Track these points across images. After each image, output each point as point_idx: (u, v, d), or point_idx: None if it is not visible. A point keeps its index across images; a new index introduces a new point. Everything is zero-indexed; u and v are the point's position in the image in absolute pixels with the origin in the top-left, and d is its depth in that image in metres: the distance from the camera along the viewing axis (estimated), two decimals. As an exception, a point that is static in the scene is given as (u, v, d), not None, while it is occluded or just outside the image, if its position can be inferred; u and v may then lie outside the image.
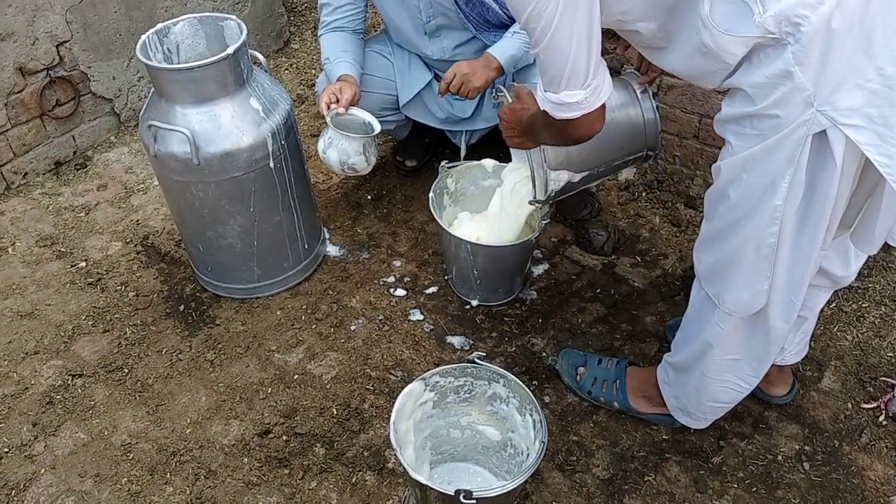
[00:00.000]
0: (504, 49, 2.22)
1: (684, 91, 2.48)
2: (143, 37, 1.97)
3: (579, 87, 1.31)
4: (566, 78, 1.30)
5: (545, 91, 1.36)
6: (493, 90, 1.88)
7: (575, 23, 1.23)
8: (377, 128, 2.19)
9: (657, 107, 1.86)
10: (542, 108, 1.42)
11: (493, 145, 2.44)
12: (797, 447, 1.89)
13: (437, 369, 1.64)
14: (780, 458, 1.87)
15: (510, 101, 1.79)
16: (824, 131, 1.24)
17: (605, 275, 2.36)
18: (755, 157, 1.33)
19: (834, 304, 2.22)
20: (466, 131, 2.54)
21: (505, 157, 2.22)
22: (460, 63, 2.22)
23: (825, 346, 2.12)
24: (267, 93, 2.05)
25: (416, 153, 2.72)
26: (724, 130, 1.41)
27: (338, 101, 2.16)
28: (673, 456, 1.87)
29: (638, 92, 1.84)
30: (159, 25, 2.02)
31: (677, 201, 2.59)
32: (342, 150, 2.17)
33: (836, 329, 2.16)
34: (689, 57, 1.35)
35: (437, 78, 2.47)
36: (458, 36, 2.33)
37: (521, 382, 1.60)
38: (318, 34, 2.41)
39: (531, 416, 1.59)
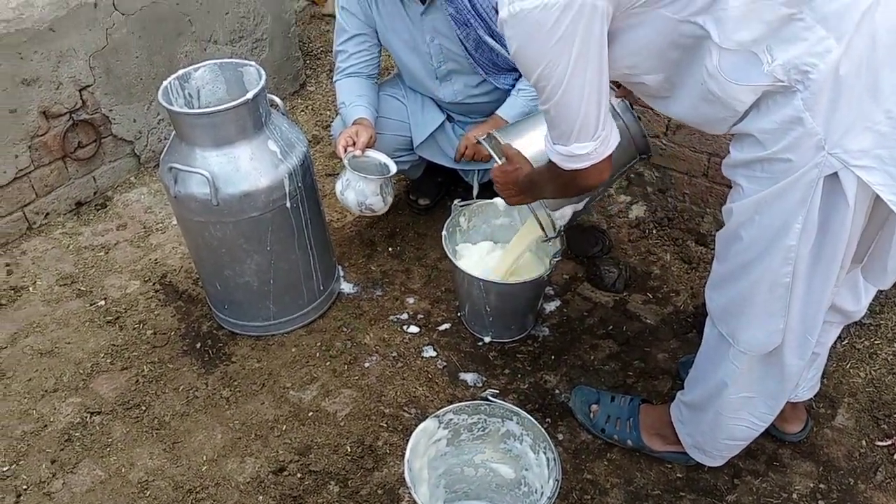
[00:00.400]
0: (511, 108, 2.30)
1: (692, 131, 2.52)
2: (165, 82, 2.04)
3: (589, 139, 1.34)
4: (576, 131, 1.33)
5: (554, 144, 1.39)
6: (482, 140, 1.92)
7: (585, 79, 1.26)
8: (393, 168, 2.25)
9: (636, 116, 1.88)
10: (550, 160, 1.44)
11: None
12: (812, 485, 1.88)
13: (451, 406, 1.66)
14: (794, 496, 1.86)
15: (499, 162, 1.79)
16: (836, 173, 1.27)
17: (617, 312, 2.38)
18: (767, 199, 1.35)
19: (846, 341, 2.23)
20: (479, 171, 2.59)
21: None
22: (469, 133, 2.30)
23: (838, 383, 2.12)
24: (284, 135, 2.10)
25: (428, 192, 2.77)
26: (733, 174, 1.44)
27: (354, 143, 2.21)
28: (687, 494, 1.87)
29: (616, 106, 1.85)
30: (181, 71, 2.09)
31: (688, 239, 2.62)
32: (359, 191, 2.22)
33: (848, 366, 2.17)
34: (695, 106, 1.38)
35: (450, 119, 2.53)
36: (469, 79, 2.39)
37: (534, 420, 1.62)
38: (334, 79, 2.48)
39: (545, 454, 1.60)
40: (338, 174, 2.29)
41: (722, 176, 2.52)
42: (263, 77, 2.03)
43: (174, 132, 2.06)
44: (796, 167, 1.29)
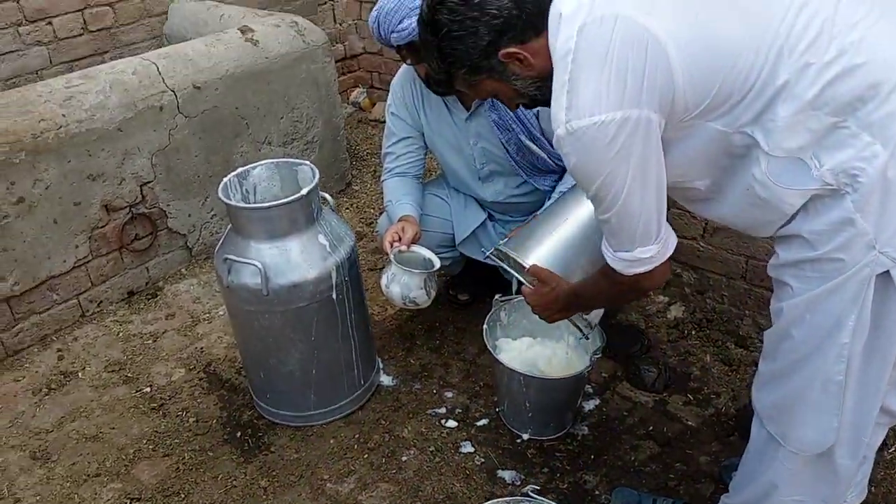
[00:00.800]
0: None
1: (729, 234, 2.57)
2: (225, 179, 2.16)
3: (651, 243, 1.39)
4: (639, 236, 1.38)
5: (616, 252, 1.43)
6: (491, 255, 1.92)
7: (645, 187, 1.32)
8: (437, 264, 2.32)
9: None
10: (601, 271, 1.48)
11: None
12: None
13: (490, 502, 1.65)
14: None
15: (528, 286, 1.79)
16: (887, 271, 1.29)
17: (657, 412, 2.36)
18: (818, 298, 1.36)
19: (893, 448, 2.17)
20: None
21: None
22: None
23: (887, 491, 2.06)
24: (333, 230, 2.20)
25: (468, 288, 2.83)
26: (780, 273, 1.45)
27: (400, 239, 2.30)
28: None
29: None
30: (240, 169, 2.22)
31: (727, 340, 2.61)
32: (404, 285, 2.28)
33: (898, 474, 2.11)
34: (743, 209, 1.41)
35: (491, 217, 2.61)
36: (510, 180, 2.49)
37: (575, 517, 1.60)
38: (382, 179, 2.60)
39: (586, 552, 1.57)
40: (383, 268, 2.36)
41: (761, 278, 2.56)
42: (317, 176, 2.15)
43: (230, 225, 2.17)
44: (848, 266, 1.31)
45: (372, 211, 3.57)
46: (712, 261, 2.67)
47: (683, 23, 1.26)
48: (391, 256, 2.28)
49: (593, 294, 1.64)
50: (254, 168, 2.25)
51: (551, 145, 2.33)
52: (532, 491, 1.63)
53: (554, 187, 2.47)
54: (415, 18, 2.06)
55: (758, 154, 1.32)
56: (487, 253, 1.93)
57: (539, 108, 2.25)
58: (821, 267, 1.35)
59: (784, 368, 1.49)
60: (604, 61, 1.25)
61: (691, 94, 1.28)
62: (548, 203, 2.41)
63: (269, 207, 2.04)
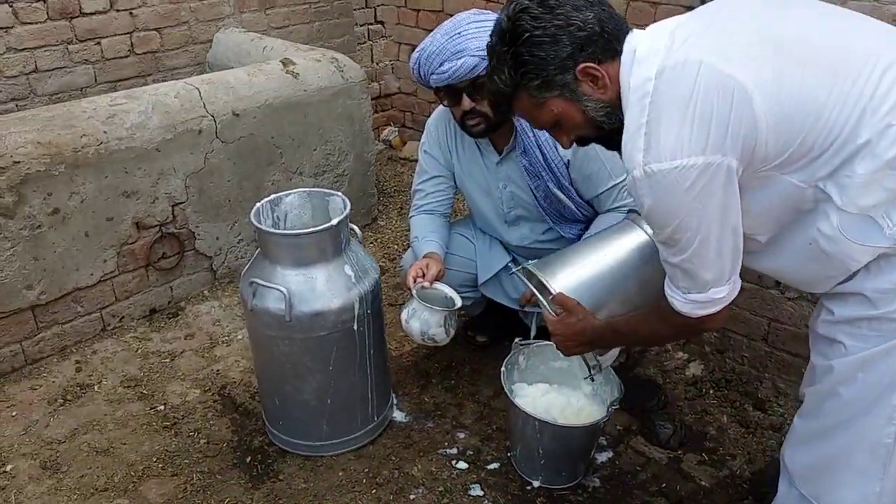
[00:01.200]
0: None
1: (753, 294, 2.56)
2: (258, 204, 2.20)
3: (724, 283, 1.37)
4: (713, 279, 1.36)
5: (687, 293, 1.41)
6: (517, 272, 1.91)
7: (723, 229, 1.31)
8: (458, 302, 2.33)
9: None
10: (673, 309, 1.46)
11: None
12: None
13: (500, 545, 1.63)
14: None
15: (552, 313, 1.77)
16: None
17: (671, 469, 2.33)
18: (875, 357, 1.35)
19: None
20: (537, 314, 2.64)
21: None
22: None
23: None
24: (360, 261, 2.22)
25: (487, 329, 2.83)
26: (833, 332, 1.43)
27: (424, 275, 2.31)
28: None
29: (629, 218, 1.85)
30: (273, 196, 2.26)
31: (745, 402, 2.58)
32: (424, 321, 2.29)
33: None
34: (802, 264, 1.40)
35: (515, 261, 2.63)
36: (536, 226, 2.51)
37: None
38: (410, 216, 2.63)
39: None
40: (404, 303, 2.38)
41: (783, 341, 2.54)
42: (348, 206, 2.18)
43: (259, 249, 2.20)
44: None
45: (396, 247, 3.60)
46: (734, 321, 2.65)
47: (767, 74, 1.26)
48: (413, 292, 2.30)
49: (638, 332, 1.61)
50: (287, 195, 2.29)
51: (580, 196, 2.36)
52: (541, 538, 1.61)
53: (580, 236, 2.48)
54: (456, 62, 2.12)
55: (827, 209, 1.31)
56: (514, 270, 1.92)
57: (570, 158, 2.29)
58: (880, 326, 1.34)
59: (827, 428, 1.45)
60: (686, 105, 1.26)
61: (773, 144, 1.28)
62: (586, 234, 2.38)
63: (298, 235, 2.07)
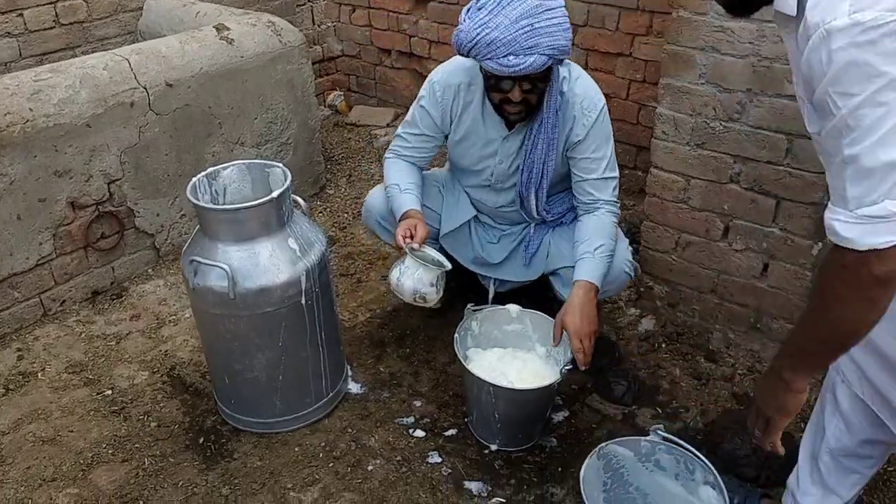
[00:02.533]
0: (595, 270, 2.20)
1: (701, 248, 2.58)
2: (195, 179, 2.12)
3: None
4: (893, 181, 1.08)
5: (857, 207, 1.11)
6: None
7: None
8: (448, 265, 2.26)
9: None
10: (840, 240, 1.14)
11: (522, 296, 2.51)
12: None
13: (456, 513, 1.63)
14: None
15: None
16: None
17: (626, 425, 2.35)
18: None
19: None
20: (495, 279, 2.62)
21: (528, 304, 2.31)
22: (571, 322, 2.12)
23: None
24: (304, 234, 2.16)
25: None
26: None
27: (412, 236, 2.24)
28: None
29: None
30: (210, 169, 2.18)
31: (697, 354, 2.62)
32: (418, 280, 2.21)
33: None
34: None
35: (477, 218, 2.59)
36: (513, 197, 2.45)
37: (540, 531, 1.58)
38: (386, 156, 2.53)
39: (551, 567, 1.55)
40: (395, 264, 2.29)
41: (731, 293, 2.57)
42: (289, 178, 2.11)
43: (198, 226, 2.12)
44: None
45: (346, 215, 3.53)
46: (684, 274, 2.67)
47: None
48: (406, 249, 2.22)
49: (805, 328, 1.31)
50: (224, 168, 2.20)
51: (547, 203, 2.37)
52: (499, 502, 1.61)
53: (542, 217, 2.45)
54: (526, 58, 2.00)
55: None
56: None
57: (581, 140, 2.27)
58: None
59: None
60: None
61: None
62: (587, 263, 2.24)
63: (237, 209, 2.00)
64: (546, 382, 2.09)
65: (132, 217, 2.99)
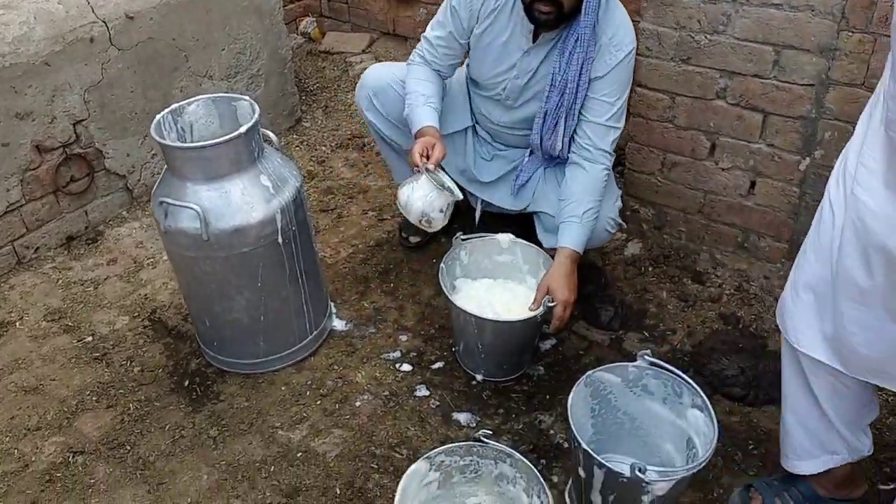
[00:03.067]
0: (579, 236, 2.14)
1: (687, 168, 2.52)
2: (158, 116, 2.03)
3: None
4: None
5: None
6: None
7: None
8: (458, 194, 2.17)
9: None
10: None
11: (514, 224, 2.46)
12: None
13: (442, 448, 1.62)
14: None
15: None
16: None
17: (613, 350, 2.34)
18: None
19: None
20: (481, 199, 2.55)
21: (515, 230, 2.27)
22: (555, 289, 2.06)
23: None
24: (277, 170, 2.08)
25: (420, 230, 2.72)
26: None
27: (428, 156, 2.13)
28: (686, 539, 1.82)
29: None
30: (174, 105, 2.08)
31: (684, 276, 2.59)
32: (428, 203, 2.11)
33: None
34: None
35: (475, 129, 2.50)
36: (520, 117, 2.36)
37: (528, 462, 1.57)
38: (410, 60, 2.38)
39: (538, 497, 1.55)
40: (406, 181, 2.17)
41: (718, 213, 2.52)
42: (257, 111, 2.02)
43: (166, 166, 2.04)
44: None
45: (324, 148, 3.44)
46: (670, 196, 2.62)
47: None
48: (422, 169, 2.11)
49: None
50: (189, 104, 2.11)
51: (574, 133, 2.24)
52: (484, 435, 1.60)
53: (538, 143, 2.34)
54: None
55: None
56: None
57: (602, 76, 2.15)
58: None
59: None
60: None
61: None
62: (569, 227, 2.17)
63: (204, 147, 1.92)
64: (531, 314, 2.05)
65: (101, 158, 2.89)
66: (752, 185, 2.40)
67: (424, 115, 2.24)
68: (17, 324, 2.53)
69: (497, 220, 2.55)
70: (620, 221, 2.40)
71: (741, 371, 2.20)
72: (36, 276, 2.73)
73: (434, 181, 2.12)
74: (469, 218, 2.55)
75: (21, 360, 2.38)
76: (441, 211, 2.15)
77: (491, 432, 1.62)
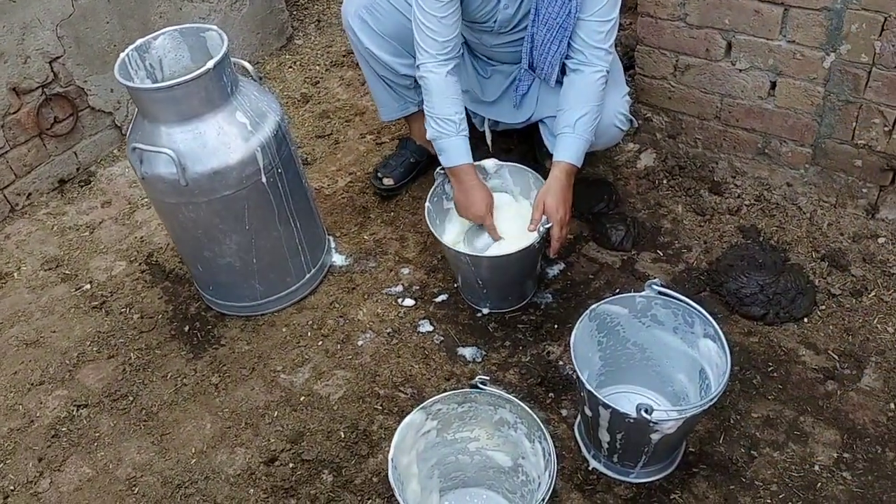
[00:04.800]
0: (576, 150, 2.01)
1: (702, 70, 2.32)
2: (122, 55, 1.89)
3: None
4: None
5: None
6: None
7: None
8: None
9: None
10: None
11: (521, 142, 2.31)
12: (835, 455, 1.75)
13: (438, 396, 1.55)
14: (817, 467, 1.74)
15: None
16: None
17: (625, 272, 2.23)
18: None
19: (873, 294, 2.06)
20: (487, 118, 2.40)
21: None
22: (550, 206, 1.95)
23: (864, 339, 1.97)
24: (254, 104, 1.95)
25: (395, 171, 2.52)
26: None
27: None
28: (700, 471, 1.75)
29: None
30: (139, 41, 1.93)
31: (701, 187, 2.44)
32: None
33: (875, 321, 2.00)
34: None
35: (467, 46, 2.30)
36: (516, 41, 2.17)
37: (527, 408, 1.50)
38: (420, 75, 2.04)
39: (540, 444, 1.49)
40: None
41: (736, 118, 2.34)
42: (225, 43, 1.87)
43: (136, 109, 1.92)
44: None
45: (318, 68, 3.26)
46: (684, 101, 2.43)
47: None
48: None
49: None
50: (155, 38, 1.96)
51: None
52: (481, 382, 1.52)
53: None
54: None
55: None
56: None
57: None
58: None
59: None
60: None
61: None
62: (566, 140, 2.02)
63: (171, 87, 1.78)
64: (524, 244, 1.93)
65: (84, 96, 2.76)
66: (773, 86, 2.21)
67: (459, 150, 2.02)
68: (15, 274, 2.49)
69: (503, 138, 2.39)
70: (632, 117, 2.25)
71: (760, 288, 2.08)
72: (31, 224, 2.67)
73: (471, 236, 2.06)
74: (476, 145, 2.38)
75: (21, 312, 2.35)
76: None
77: (488, 378, 1.54)
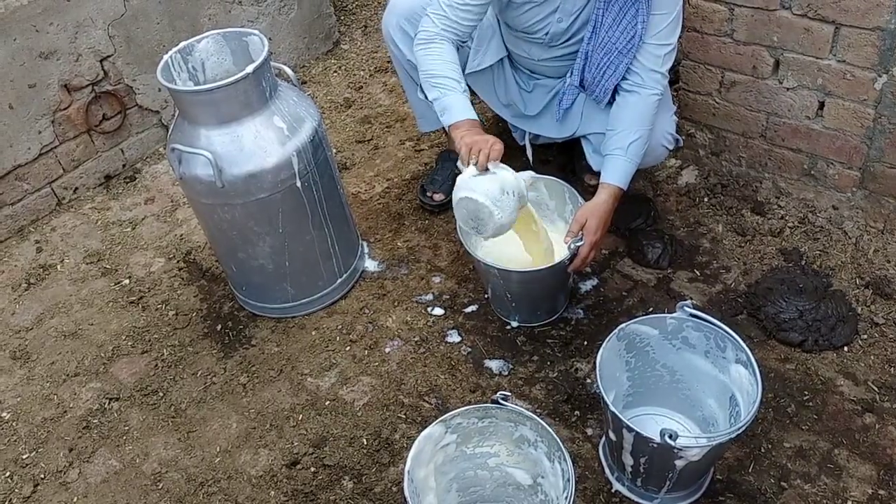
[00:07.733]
0: (625, 173, 1.99)
1: (748, 87, 2.26)
2: (165, 56, 1.93)
3: None
4: None
5: None
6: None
7: None
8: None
9: None
10: None
11: (560, 153, 2.29)
12: (870, 491, 1.69)
13: (459, 410, 1.53)
14: (850, 503, 1.67)
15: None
16: None
17: (660, 291, 2.18)
18: None
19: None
20: (527, 132, 2.39)
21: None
22: (591, 226, 1.92)
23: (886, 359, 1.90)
24: (292, 109, 1.97)
25: (443, 185, 2.48)
26: None
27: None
28: (727, 499, 1.71)
29: None
30: (182, 43, 1.97)
31: (743, 207, 2.38)
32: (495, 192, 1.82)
33: (919, 352, 1.93)
34: None
35: (509, 58, 2.31)
36: (563, 55, 2.17)
37: (548, 427, 1.47)
38: (418, 42, 2.02)
39: (559, 464, 1.46)
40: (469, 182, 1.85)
41: (782, 138, 2.28)
42: (266, 48, 1.89)
43: (177, 111, 1.95)
44: None
45: (362, 73, 3.28)
46: (729, 119, 2.38)
47: None
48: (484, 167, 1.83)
49: None
50: (199, 41, 1.99)
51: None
52: (502, 398, 1.50)
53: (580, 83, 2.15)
54: None
55: None
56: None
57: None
58: None
59: None
60: None
61: None
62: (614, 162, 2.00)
63: (210, 90, 1.81)
64: (556, 259, 1.91)
65: (132, 95, 2.83)
66: (821, 105, 2.14)
67: (461, 107, 1.95)
68: (58, 266, 2.55)
69: (542, 151, 2.38)
70: (679, 137, 2.22)
71: (800, 314, 2.02)
72: (76, 217, 2.74)
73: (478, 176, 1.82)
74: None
75: (61, 303, 2.41)
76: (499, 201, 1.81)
77: (510, 394, 1.52)
